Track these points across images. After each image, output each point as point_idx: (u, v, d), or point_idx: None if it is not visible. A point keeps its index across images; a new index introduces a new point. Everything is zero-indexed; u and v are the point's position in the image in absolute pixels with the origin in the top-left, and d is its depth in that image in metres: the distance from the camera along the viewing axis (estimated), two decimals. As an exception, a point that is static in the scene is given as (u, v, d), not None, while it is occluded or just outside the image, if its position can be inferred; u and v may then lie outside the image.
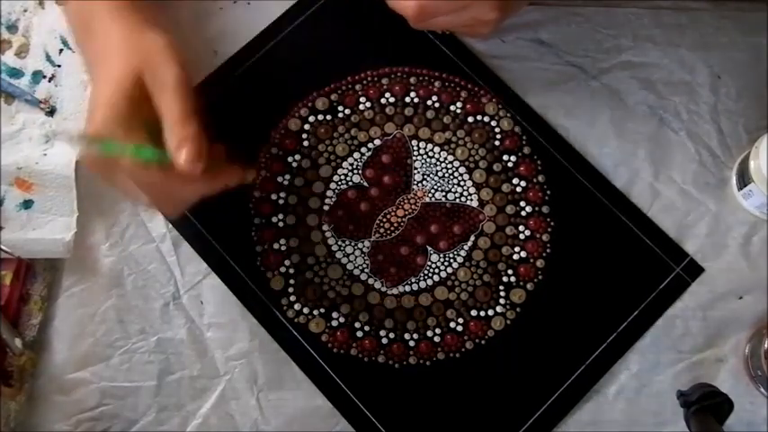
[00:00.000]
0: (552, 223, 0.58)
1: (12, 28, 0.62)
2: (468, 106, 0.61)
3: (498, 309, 0.57)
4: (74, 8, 0.55)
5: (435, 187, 0.59)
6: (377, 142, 0.60)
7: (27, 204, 0.58)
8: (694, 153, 0.60)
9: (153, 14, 0.55)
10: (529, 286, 0.57)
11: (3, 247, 0.55)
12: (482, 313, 0.57)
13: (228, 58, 0.63)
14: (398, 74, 0.62)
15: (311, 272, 0.58)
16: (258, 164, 0.59)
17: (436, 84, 0.62)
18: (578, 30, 0.63)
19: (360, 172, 0.60)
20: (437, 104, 0.61)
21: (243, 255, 0.58)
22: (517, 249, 0.58)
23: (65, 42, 0.62)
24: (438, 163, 0.60)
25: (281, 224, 0.59)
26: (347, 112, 0.61)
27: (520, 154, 0.60)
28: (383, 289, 0.57)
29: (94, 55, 0.53)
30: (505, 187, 0.59)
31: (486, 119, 0.61)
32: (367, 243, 0.58)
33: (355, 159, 0.60)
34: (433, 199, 0.59)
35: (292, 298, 0.57)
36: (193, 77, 0.61)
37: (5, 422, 0.53)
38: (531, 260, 0.58)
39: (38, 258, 0.57)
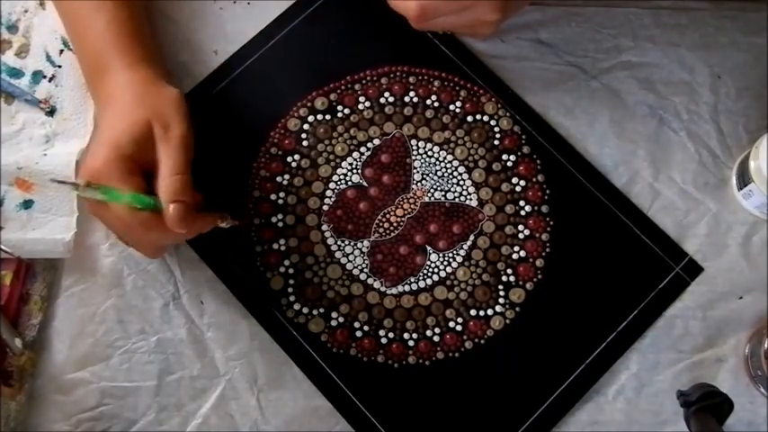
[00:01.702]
0: (552, 223, 0.58)
1: (12, 28, 0.62)
2: (468, 106, 0.61)
3: (498, 308, 0.57)
4: (88, 46, 0.57)
5: (435, 187, 0.59)
6: (376, 142, 0.60)
7: (27, 204, 0.58)
8: (694, 153, 0.60)
9: (164, 70, 0.58)
10: (528, 286, 0.57)
11: (3, 247, 0.55)
12: (481, 313, 0.57)
13: (228, 57, 0.63)
14: (398, 73, 0.62)
15: (311, 272, 0.58)
16: (240, 211, 0.59)
17: (435, 83, 0.62)
18: (578, 30, 0.63)
19: (359, 171, 0.60)
20: (436, 104, 0.61)
21: (243, 255, 0.58)
22: (516, 249, 0.58)
23: (65, 43, 0.62)
24: (437, 162, 0.60)
25: (280, 224, 0.59)
26: (346, 111, 0.61)
27: (519, 153, 0.60)
28: (382, 289, 0.57)
29: (107, 97, 0.55)
30: (505, 187, 0.59)
31: (486, 118, 0.61)
32: (366, 243, 0.58)
33: (354, 159, 0.60)
34: (432, 198, 0.59)
35: (292, 298, 0.57)
36: (193, 77, 0.62)
37: (5, 422, 0.53)
38: (531, 260, 0.58)
39: (38, 258, 0.57)
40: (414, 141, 0.60)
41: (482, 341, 0.56)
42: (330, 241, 0.58)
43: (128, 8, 0.57)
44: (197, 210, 0.52)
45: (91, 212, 0.53)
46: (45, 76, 0.61)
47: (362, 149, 0.60)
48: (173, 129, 0.52)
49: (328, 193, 0.59)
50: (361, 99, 0.61)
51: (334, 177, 0.60)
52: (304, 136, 0.61)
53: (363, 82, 0.62)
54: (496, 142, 0.60)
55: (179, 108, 0.54)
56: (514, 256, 0.58)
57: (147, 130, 0.52)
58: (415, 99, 0.61)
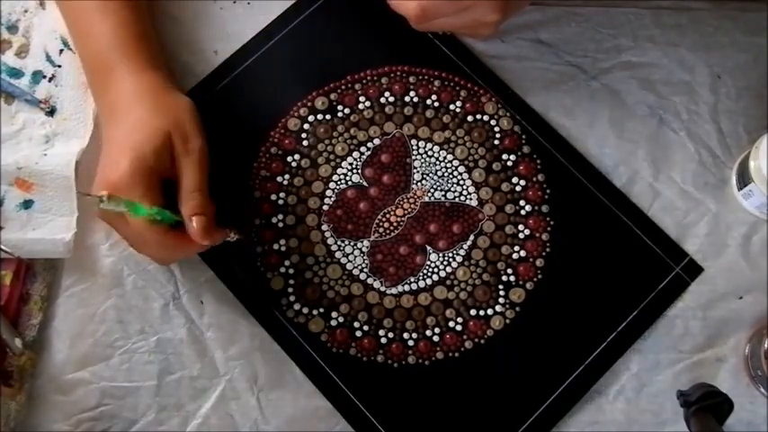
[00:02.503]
0: (552, 222, 0.58)
1: (12, 28, 0.62)
2: (468, 105, 0.61)
3: (497, 308, 0.57)
4: (91, 48, 0.56)
5: (435, 186, 0.59)
6: (376, 141, 0.60)
7: (27, 204, 0.58)
8: (694, 153, 0.60)
9: (170, 75, 0.57)
10: (528, 285, 0.57)
11: (3, 247, 0.55)
12: (481, 313, 0.57)
13: (228, 57, 0.63)
14: (398, 73, 0.62)
15: (311, 272, 0.58)
16: (246, 224, 0.59)
17: (436, 83, 0.62)
18: (578, 30, 0.63)
19: (359, 171, 0.60)
20: (436, 104, 0.61)
21: (243, 255, 0.58)
22: (516, 249, 0.58)
23: (65, 43, 0.62)
24: (437, 162, 0.60)
25: (280, 224, 0.59)
26: (347, 111, 0.61)
27: (519, 153, 0.60)
28: (382, 288, 0.57)
29: (114, 102, 0.55)
30: (505, 186, 0.59)
31: (486, 118, 0.61)
32: (366, 243, 0.58)
33: (355, 159, 0.60)
34: (432, 198, 0.59)
35: (292, 298, 0.57)
36: (194, 77, 0.62)
37: (5, 422, 0.53)
38: (531, 259, 0.58)
39: (38, 258, 0.57)
40: (414, 141, 0.60)
41: (482, 341, 0.56)
42: (330, 241, 0.58)
43: (133, 9, 0.56)
44: (214, 219, 0.52)
45: (103, 220, 0.53)
46: (45, 76, 0.61)
47: (363, 149, 0.60)
48: (192, 141, 0.52)
49: (328, 192, 0.59)
50: (362, 99, 0.61)
51: (335, 177, 0.60)
52: (304, 136, 0.61)
53: (364, 82, 0.62)
54: (496, 142, 0.60)
55: (195, 118, 0.54)
56: (514, 256, 0.58)
57: (167, 142, 0.51)
58: (416, 99, 0.61)
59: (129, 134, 0.52)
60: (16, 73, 0.61)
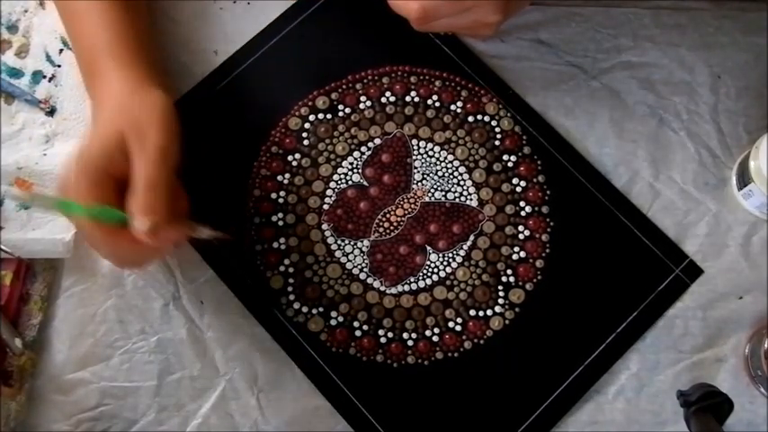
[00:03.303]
0: (552, 223, 0.58)
1: (12, 28, 0.62)
2: (469, 106, 0.61)
3: (497, 309, 0.57)
4: (83, 46, 0.56)
5: (435, 187, 0.59)
6: (377, 141, 0.60)
7: (27, 204, 0.57)
8: (694, 153, 0.60)
9: (157, 72, 0.56)
10: (528, 286, 0.57)
11: (3, 247, 0.55)
12: (481, 313, 0.57)
13: (228, 57, 0.63)
14: (399, 73, 0.62)
15: (310, 271, 0.58)
16: (232, 223, 0.58)
17: (437, 83, 0.62)
18: (578, 30, 0.63)
19: (360, 171, 0.60)
20: (437, 104, 0.61)
21: (242, 254, 0.58)
22: (516, 249, 0.58)
23: (65, 42, 0.62)
24: (438, 162, 0.60)
25: (280, 223, 0.59)
26: (347, 110, 0.61)
27: (520, 154, 0.60)
28: (382, 288, 0.57)
29: (98, 99, 0.54)
30: (505, 187, 0.59)
31: (487, 118, 0.61)
32: (366, 242, 0.58)
33: (355, 158, 0.60)
34: (432, 198, 0.59)
35: (291, 297, 0.57)
36: (194, 77, 0.62)
37: (5, 422, 0.53)
38: (531, 260, 0.58)
39: (38, 258, 0.57)
40: (414, 141, 0.60)
41: (481, 341, 0.56)
42: (330, 240, 0.58)
43: (122, 8, 0.56)
44: (186, 215, 0.51)
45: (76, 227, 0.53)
46: (45, 76, 0.61)
47: (363, 149, 0.60)
48: (150, 139, 0.50)
49: (329, 192, 0.59)
50: (363, 98, 0.61)
51: (335, 177, 0.60)
52: (305, 135, 0.61)
53: (364, 81, 0.62)
54: (497, 143, 0.60)
55: (161, 116, 0.51)
56: (514, 257, 0.58)
57: (119, 141, 0.49)
58: (417, 99, 0.61)
59: (90, 133, 0.52)
60: (16, 73, 0.61)
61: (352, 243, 0.58)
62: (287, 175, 0.60)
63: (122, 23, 0.56)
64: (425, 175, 0.60)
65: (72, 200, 0.48)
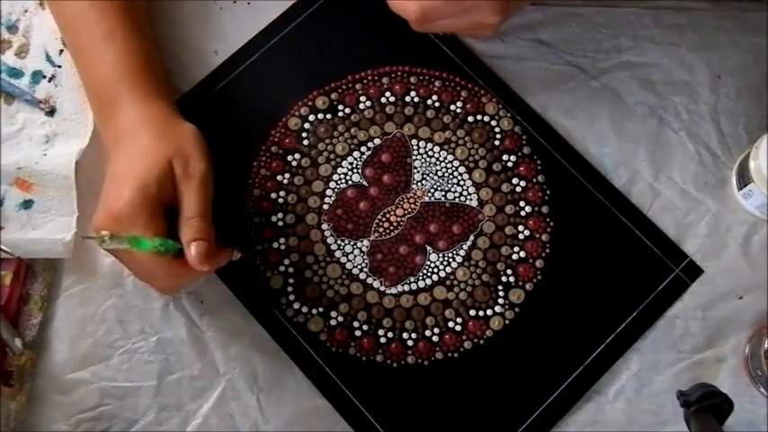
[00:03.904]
0: (552, 223, 0.58)
1: (12, 28, 0.62)
2: (469, 106, 0.61)
3: (497, 309, 0.57)
4: (96, 82, 0.56)
5: (435, 187, 0.59)
6: (377, 141, 0.60)
7: (27, 204, 0.58)
8: (694, 153, 0.60)
9: (173, 104, 0.57)
10: (528, 286, 0.57)
11: (3, 247, 0.55)
12: (480, 313, 0.57)
13: (228, 57, 0.63)
14: (399, 73, 0.62)
15: (310, 271, 0.58)
16: (246, 243, 0.58)
17: (436, 83, 0.62)
18: (578, 30, 0.63)
19: (359, 171, 0.60)
20: (437, 104, 0.61)
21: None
22: (516, 249, 0.58)
23: (65, 43, 0.62)
24: (438, 162, 0.60)
25: (280, 223, 0.59)
26: (347, 110, 0.61)
27: (520, 154, 0.60)
28: (382, 288, 0.57)
29: (119, 131, 0.54)
30: (505, 187, 0.59)
31: (486, 118, 0.61)
32: (366, 242, 0.58)
33: (355, 158, 0.60)
34: (432, 198, 0.59)
35: (291, 297, 0.57)
36: (193, 77, 0.62)
37: (5, 422, 0.53)
38: (531, 260, 0.58)
39: (38, 258, 0.57)
40: (414, 141, 0.60)
41: (481, 341, 0.56)
42: (330, 240, 0.58)
43: (138, 38, 0.56)
44: (215, 243, 0.51)
45: (108, 252, 0.53)
46: (45, 76, 0.61)
47: (363, 149, 0.60)
48: (192, 165, 0.51)
49: (328, 192, 0.59)
50: (362, 98, 0.61)
51: (335, 176, 0.60)
52: (305, 135, 0.61)
53: (364, 81, 0.62)
54: (497, 143, 0.60)
55: (198, 144, 0.53)
56: (514, 257, 0.58)
57: (168, 168, 0.51)
58: (416, 99, 0.61)
59: (131, 163, 0.51)
60: (16, 73, 0.61)
61: (351, 243, 0.58)
62: (287, 175, 0.60)
63: (140, 53, 0.56)
64: (425, 175, 0.60)
65: (139, 234, 0.48)
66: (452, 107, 0.61)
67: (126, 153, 0.53)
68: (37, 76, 0.61)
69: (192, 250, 0.49)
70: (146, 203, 0.49)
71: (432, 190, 0.59)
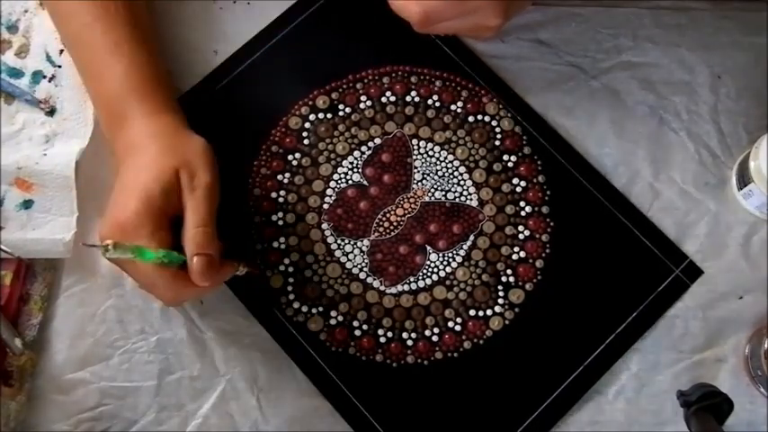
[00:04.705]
0: (552, 224, 0.58)
1: (12, 28, 0.62)
2: (469, 106, 0.61)
3: (497, 309, 0.57)
4: (106, 96, 0.56)
5: (435, 186, 0.59)
6: (377, 141, 0.60)
7: (27, 204, 0.58)
8: (694, 153, 0.60)
9: (182, 116, 0.57)
10: (528, 286, 0.57)
11: (3, 247, 0.55)
12: (480, 313, 0.57)
13: (228, 57, 0.63)
14: (399, 73, 0.62)
15: (310, 270, 0.58)
16: (250, 257, 0.58)
17: (437, 83, 0.62)
18: (578, 30, 0.63)
19: (360, 170, 0.60)
20: (438, 104, 0.61)
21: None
22: (516, 249, 0.58)
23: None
24: (438, 162, 0.60)
25: (280, 222, 0.59)
26: (348, 110, 0.61)
27: (520, 154, 0.60)
28: (382, 288, 0.57)
29: (129, 145, 0.54)
30: (505, 187, 0.59)
31: (487, 118, 0.61)
32: (366, 242, 0.58)
33: (355, 158, 0.60)
34: (432, 198, 0.59)
35: (291, 296, 0.57)
36: (193, 77, 0.62)
37: (5, 422, 0.53)
38: (531, 260, 0.58)
39: (38, 258, 0.57)
40: (415, 141, 0.60)
41: (481, 341, 0.56)
42: (330, 240, 0.58)
43: (147, 52, 0.56)
44: (220, 257, 0.51)
45: (111, 261, 0.52)
46: (45, 76, 0.61)
47: (363, 148, 0.60)
48: (198, 177, 0.51)
49: (329, 191, 0.59)
50: (363, 98, 0.61)
51: (335, 176, 0.60)
52: (305, 134, 0.61)
53: (365, 81, 0.62)
54: (497, 143, 0.60)
55: (205, 156, 0.53)
56: (514, 257, 0.58)
57: (174, 180, 0.51)
58: (417, 99, 0.61)
59: (138, 174, 0.51)
60: (16, 73, 0.61)
61: (351, 242, 0.58)
62: (287, 175, 0.60)
63: (148, 67, 0.55)
64: (425, 175, 0.60)
65: (143, 245, 0.48)
66: (453, 107, 0.61)
67: (134, 165, 0.53)
68: (37, 76, 0.61)
69: (194, 264, 0.49)
70: (151, 214, 0.49)
71: (432, 190, 0.59)
